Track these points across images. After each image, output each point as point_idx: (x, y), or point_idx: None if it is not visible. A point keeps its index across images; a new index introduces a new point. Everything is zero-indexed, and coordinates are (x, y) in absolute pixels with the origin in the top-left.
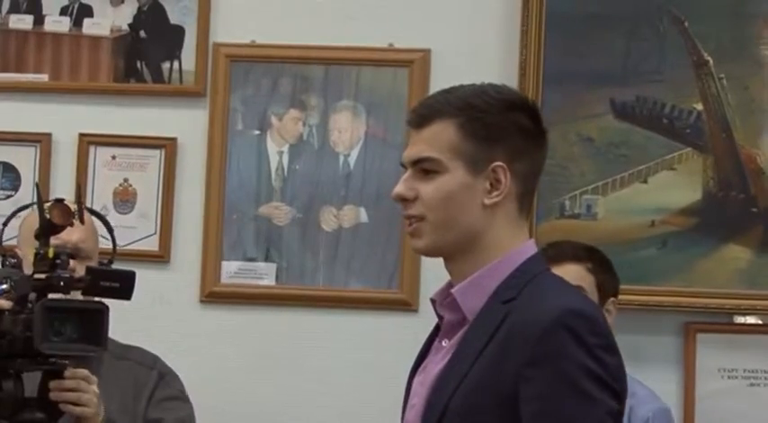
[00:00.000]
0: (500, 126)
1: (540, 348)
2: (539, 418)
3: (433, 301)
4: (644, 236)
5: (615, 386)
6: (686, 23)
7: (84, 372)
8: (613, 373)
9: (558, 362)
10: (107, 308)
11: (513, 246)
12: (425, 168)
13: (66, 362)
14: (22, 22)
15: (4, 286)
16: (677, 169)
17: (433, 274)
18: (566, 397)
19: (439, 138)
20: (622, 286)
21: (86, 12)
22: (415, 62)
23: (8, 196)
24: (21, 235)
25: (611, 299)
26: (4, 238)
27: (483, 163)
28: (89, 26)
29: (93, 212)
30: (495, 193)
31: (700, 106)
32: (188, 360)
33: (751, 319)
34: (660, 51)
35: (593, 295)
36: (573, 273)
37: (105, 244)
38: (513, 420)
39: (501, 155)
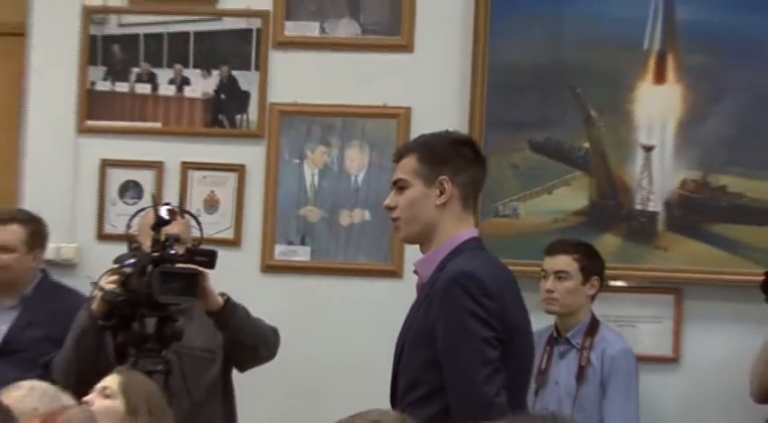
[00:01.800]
0: (445, 154)
1: (443, 298)
2: (442, 350)
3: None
4: (550, 229)
5: (493, 322)
6: (578, 90)
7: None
8: (492, 313)
9: (452, 308)
10: (201, 272)
11: (459, 232)
12: (400, 186)
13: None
14: (144, 88)
15: (133, 260)
16: (572, 185)
17: (416, 254)
18: (455, 333)
19: (406, 165)
20: (537, 261)
21: (186, 82)
22: (401, 115)
23: (135, 203)
24: (141, 228)
25: (595, 277)
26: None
27: (434, 178)
28: (188, 91)
29: (188, 213)
30: (442, 197)
31: (587, 145)
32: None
33: (619, 283)
34: (562, 108)
35: (578, 277)
36: (562, 260)
37: (195, 233)
38: (434, 349)
39: (446, 172)
